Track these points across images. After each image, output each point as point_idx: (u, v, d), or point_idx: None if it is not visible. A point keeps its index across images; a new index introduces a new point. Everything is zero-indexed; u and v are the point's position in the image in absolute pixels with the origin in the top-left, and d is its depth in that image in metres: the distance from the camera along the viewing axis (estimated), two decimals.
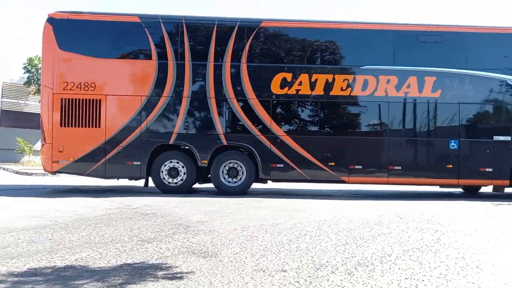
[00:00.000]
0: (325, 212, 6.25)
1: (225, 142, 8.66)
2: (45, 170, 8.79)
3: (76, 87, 8.38)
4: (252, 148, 8.63)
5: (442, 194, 10.12)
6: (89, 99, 8.43)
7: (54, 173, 8.80)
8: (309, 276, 2.92)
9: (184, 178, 8.58)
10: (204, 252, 3.57)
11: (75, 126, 8.40)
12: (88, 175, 8.60)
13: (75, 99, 8.39)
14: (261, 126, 8.74)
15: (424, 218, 5.81)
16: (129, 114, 8.58)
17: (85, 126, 8.41)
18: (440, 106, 8.99)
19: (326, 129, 9.31)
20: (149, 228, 4.61)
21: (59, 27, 8.47)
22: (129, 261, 3.21)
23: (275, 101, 8.91)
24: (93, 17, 8.78)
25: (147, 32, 8.65)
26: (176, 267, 3.09)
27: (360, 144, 9.06)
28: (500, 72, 8.93)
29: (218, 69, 8.73)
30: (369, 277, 2.96)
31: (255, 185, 9.20)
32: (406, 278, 2.94)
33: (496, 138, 8.85)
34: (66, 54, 8.47)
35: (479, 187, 9.85)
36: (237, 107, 8.77)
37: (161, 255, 3.45)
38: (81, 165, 8.48)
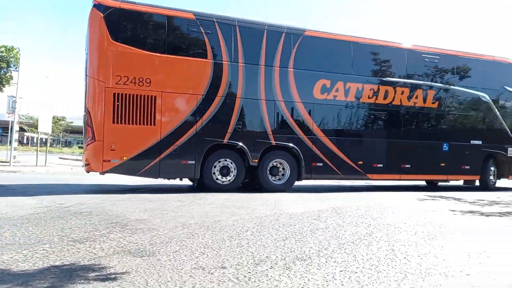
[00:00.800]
0: (267, 208, 6.33)
1: (273, 142, 9.13)
2: (91, 170, 7.98)
3: (130, 82, 7.92)
4: (297, 148, 9.24)
5: (377, 187, 10.73)
6: (144, 95, 8.04)
7: (103, 173, 8.01)
8: (249, 272, 2.93)
9: (234, 177, 8.79)
10: (142, 251, 3.44)
11: (128, 124, 7.93)
12: (140, 175, 8.17)
13: (129, 95, 7.93)
14: (304, 127, 9.49)
15: (359, 212, 6.12)
16: (185, 113, 8.44)
17: (139, 124, 8.01)
18: (437, 115, 11.24)
19: (356, 132, 10.45)
20: (82, 228, 4.35)
21: (111, 16, 7.93)
22: (57, 263, 3.00)
23: (316, 105, 9.63)
24: (147, 9, 8.43)
25: (202, 31, 8.69)
26: (110, 267, 2.94)
27: (381, 146, 10.53)
28: (479, 90, 11.41)
29: (268, 72, 9.20)
30: (306, 270, 3.04)
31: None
32: (341, 271, 3.06)
33: (472, 142, 11.28)
34: (119, 46, 7.95)
35: (438, 181, 11.70)
36: (284, 109, 9.36)
37: (94, 255, 3.26)
38: (134, 165, 8.01)
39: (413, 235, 4.55)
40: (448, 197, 9.04)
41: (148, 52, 8.21)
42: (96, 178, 8.67)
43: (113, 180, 8.54)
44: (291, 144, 9.22)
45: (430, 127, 11.30)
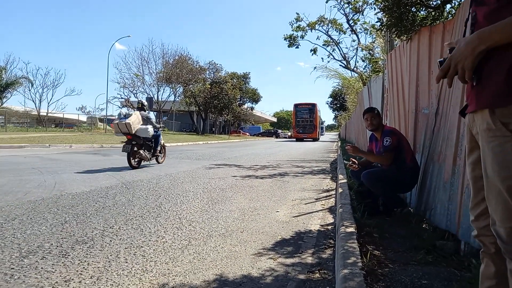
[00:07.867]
0: (44, 190, 5.50)
1: None
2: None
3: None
4: None
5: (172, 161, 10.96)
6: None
7: None
8: (12, 269, 2.46)
9: None
10: None
11: None
12: None
13: None
14: None
15: (150, 185, 6.10)
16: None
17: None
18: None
19: None
20: None
21: None
22: None
23: None
24: None
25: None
26: None
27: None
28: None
29: None
30: (86, 254, 2.79)
31: None
32: (126, 248, 2.96)
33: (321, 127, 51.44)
34: None
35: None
36: None
37: None
38: None
39: (199, 202, 4.86)
40: (231, 164, 10.12)
41: None
42: None
43: None
44: None
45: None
